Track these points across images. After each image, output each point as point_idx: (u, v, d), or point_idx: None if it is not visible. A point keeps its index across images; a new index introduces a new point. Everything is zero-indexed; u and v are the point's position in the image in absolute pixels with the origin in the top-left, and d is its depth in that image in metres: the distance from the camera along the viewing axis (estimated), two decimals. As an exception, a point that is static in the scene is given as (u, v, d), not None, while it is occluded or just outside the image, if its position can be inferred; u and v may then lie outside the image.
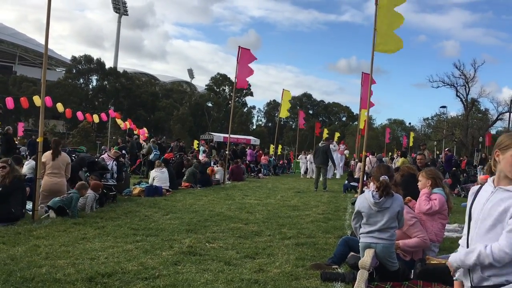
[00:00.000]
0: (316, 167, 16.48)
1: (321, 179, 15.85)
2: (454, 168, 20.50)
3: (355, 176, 17.16)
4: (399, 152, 23.22)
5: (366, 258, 4.23)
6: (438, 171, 6.05)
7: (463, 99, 47.54)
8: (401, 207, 4.49)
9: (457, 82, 46.89)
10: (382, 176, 4.45)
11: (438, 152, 44.80)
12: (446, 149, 24.12)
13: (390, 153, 38.00)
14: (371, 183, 11.62)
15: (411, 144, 42.16)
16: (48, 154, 8.40)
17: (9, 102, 24.68)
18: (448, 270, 2.85)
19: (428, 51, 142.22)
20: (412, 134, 45.54)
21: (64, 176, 8.59)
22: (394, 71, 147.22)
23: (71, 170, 8.89)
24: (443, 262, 4.17)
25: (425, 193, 5.47)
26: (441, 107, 51.87)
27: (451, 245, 6.12)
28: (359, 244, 4.51)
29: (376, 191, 4.41)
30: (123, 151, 17.65)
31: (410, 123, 74.49)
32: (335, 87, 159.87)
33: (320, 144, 17.31)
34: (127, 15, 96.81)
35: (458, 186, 16.97)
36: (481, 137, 43.67)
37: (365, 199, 4.48)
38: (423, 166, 9.71)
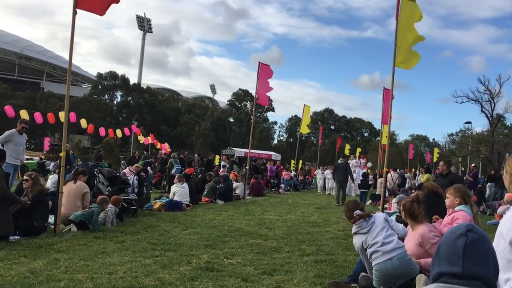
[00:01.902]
0: (337, 182, 16.95)
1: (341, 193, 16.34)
2: (480, 185, 20.07)
3: (376, 193, 17.01)
4: (422, 168, 22.88)
5: None
6: (466, 188, 5.84)
7: (488, 115, 46.59)
8: (384, 215, 4.78)
9: (482, 98, 45.99)
10: (355, 212, 4.74)
11: (463, 169, 43.93)
12: (471, 165, 23.60)
13: (413, 169, 37.41)
14: (392, 200, 11.42)
15: (435, 160, 41.45)
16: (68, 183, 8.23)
17: (38, 117, 25.36)
18: None
19: (453, 66, 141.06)
20: (436, 150, 44.79)
21: (79, 207, 8.15)
22: (418, 86, 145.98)
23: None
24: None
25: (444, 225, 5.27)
26: (465, 122, 50.80)
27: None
28: (375, 269, 4.48)
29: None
30: (148, 167, 17.86)
31: (434, 139, 73.34)
32: (357, 102, 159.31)
33: (339, 161, 17.49)
34: (151, 32, 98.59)
35: (483, 203, 16.58)
36: (507, 154, 42.72)
37: (355, 234, 4.76)
38: (446, 175, 9.50)
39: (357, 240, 4.72)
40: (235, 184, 17.76)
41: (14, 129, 9.78)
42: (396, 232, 4.63)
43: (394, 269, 4.31)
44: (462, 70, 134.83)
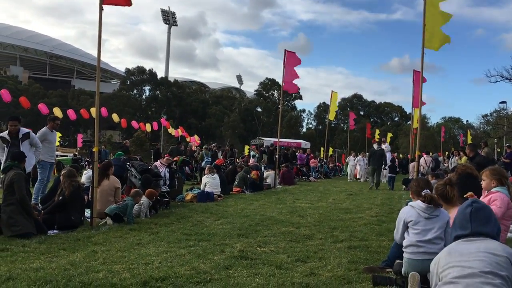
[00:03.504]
0: (372, 168, 17.89)
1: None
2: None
3: (409, 177, 16.80)
4: (457, 151, 22.34)
5: None
6: (503, 170, 5.66)
7: (524, 93, 45.05)
8: (449, 217, 4.32)
9: (517, 76, 44.55)
10: (424, 191, 4.41)
11: (499, 150, 42.72)
12: (506, 145, 22.90)
13: (446, 152, 36.66)
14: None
15: (469, 142, 40.48)
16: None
17: (71, 114, 25.98)
18: None
19: (487, 45, 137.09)
20: (469, 132, 43.69)
21: (112, 202, 8.21)
22: (450, 67, 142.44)
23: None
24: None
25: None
26: (500, 102, 49.03)
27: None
28: (406, 261, 4.29)
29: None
30: (186, 167, 18.10)
31: (467, 121, 71.53)
32: (387, 86, 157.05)
33: (375, 147, 18.53)
34: (177, 25, 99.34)
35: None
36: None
37: (412, 208, 4.40)
38: (473, 158, 9.36)
39: (408, 213, 4.38)
40: (265, 173, 17.81)
41: (46, 127, 9.92)
42: (446, 240, 4.25)
43: (428, 268, 4.12)
44: (496, 48, 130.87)
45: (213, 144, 26.38)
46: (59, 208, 7.20)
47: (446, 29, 9.08)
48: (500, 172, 5.32)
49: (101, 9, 7.45)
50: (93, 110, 23.09)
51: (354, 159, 24.73)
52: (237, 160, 22.85)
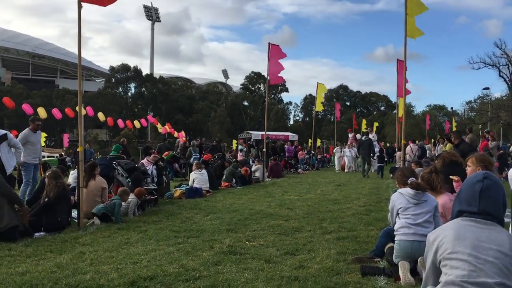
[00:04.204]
0: (362, 157, 19.12)
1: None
2: (501, 151, 19.71)
3: (396, 166, 16.95)
4: (442, 138, 22.52)
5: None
6: (488, 156, 5.70)
7: (507, 79, 45.65)
8: (437, 203, 4.49)
9: (499, 62, 45.04)
10: (410, 179, 4.52)
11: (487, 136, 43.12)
12: (485, 131, 23.17)
13: (432, 140, 36.97)
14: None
15: (454, 129, 40.86)
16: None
17: (56, 113, 25.62)
18: None
19: (470, 32, 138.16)
20: (454, 119, 44.10)
21: (98, 202, 8.08)
22: (434, 55, 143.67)
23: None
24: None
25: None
26: (484, 88, 49.67)
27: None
28: (397, 243, 4.39)
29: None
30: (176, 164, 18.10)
31: (452, 108, 72.17)
32: (373, 77, 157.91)
33: (363, 138, 19.75)
34: (160, 21, 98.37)
35: (506, 169, 16.29)
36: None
37: (401, 194, 4.50)
38: (457, 145, 9.52)
39: (398, 200, 4.50)
40: (254, 167, 17.80)
41: (27, 128, 9.79)
42: (435, 223, 4.35)
43: (417, 252, 4.16)
44: (479, 35, 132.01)
45: (197, 140, 26.14)
46: (45, 210, 7.11)
47: (428, 18, 9.17)
48: (486, 159, 5.35)
49: (79, 7, 7.35)
50: (78, 109, 22.79)
51: (341, 151, 24.82)
52: (226, 154, 22.77)
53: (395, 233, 4.49)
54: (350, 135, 26.17)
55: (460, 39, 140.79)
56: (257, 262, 4.90)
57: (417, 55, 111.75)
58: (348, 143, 24.98)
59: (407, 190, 4.47)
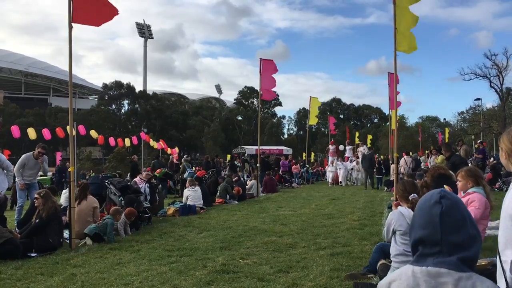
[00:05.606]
0: (364, 170, 20.29)
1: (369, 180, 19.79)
2: (494, 161, 19.78)
3: (390, 179, 16.98)
4: (435, 150, 22.60)
5: None
6: (477, 169, 5.71)
7: (498, 90, 46.00)
8: None
9: (489, 73, 45.41)
10: (412, 195, 4.34)
11: (476, 146, 43.39)
12: (478, 141, 23.28)
13: (426, 151, 37.08)
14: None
15: (447, 140, 41.06)
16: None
17: (46, 133, 25.51)
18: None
19: (461, 44, 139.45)
20: (447, 130, 44.30)
21: (90, 222, 8.07)
22: (426, 67, 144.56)
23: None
24: (483, 264, 3.96)
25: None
26: (475, 99, 50.03)
27: (494, 245, 5.84)
28: (395, 268, 4.30)
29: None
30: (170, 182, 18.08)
31: (444, 119, 72.64)
32: (366, 89, 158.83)
33: (366, 152, 21.22)
34: (152, 38, 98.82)
35: (499, 180, 16.36)
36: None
37: (402, 216, 4.31)
38: (448, 158, 9.56)
39: (398, 222, 4.30)
40: (249, 182, 17.75)
41: (31, 152, 9.59)
42: None
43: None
44: (470, 47, 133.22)
45: (187, 156, 25.91)
46: (37, 231, 7.04)
47: (419, 30, 9.24)
48: (475, 173, 5.36)
49: (70, 27, 7.37)
50: (69, 129, 22.72)
51: (332, 164, 24.26)
52: (223, 171, 22.69)
53: (391, 258, 4.37)
54: (331, 147, 25.31)
55: (451, 51, 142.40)
56: (250, 281, 4.86)
57: (409, 67, 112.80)
58: (346, 155, 24.97)
59: (409, 212, 4.26)
